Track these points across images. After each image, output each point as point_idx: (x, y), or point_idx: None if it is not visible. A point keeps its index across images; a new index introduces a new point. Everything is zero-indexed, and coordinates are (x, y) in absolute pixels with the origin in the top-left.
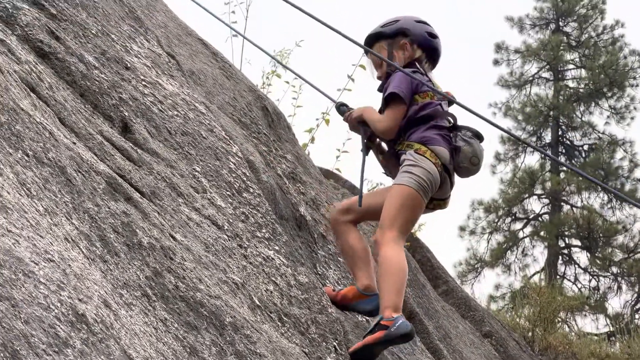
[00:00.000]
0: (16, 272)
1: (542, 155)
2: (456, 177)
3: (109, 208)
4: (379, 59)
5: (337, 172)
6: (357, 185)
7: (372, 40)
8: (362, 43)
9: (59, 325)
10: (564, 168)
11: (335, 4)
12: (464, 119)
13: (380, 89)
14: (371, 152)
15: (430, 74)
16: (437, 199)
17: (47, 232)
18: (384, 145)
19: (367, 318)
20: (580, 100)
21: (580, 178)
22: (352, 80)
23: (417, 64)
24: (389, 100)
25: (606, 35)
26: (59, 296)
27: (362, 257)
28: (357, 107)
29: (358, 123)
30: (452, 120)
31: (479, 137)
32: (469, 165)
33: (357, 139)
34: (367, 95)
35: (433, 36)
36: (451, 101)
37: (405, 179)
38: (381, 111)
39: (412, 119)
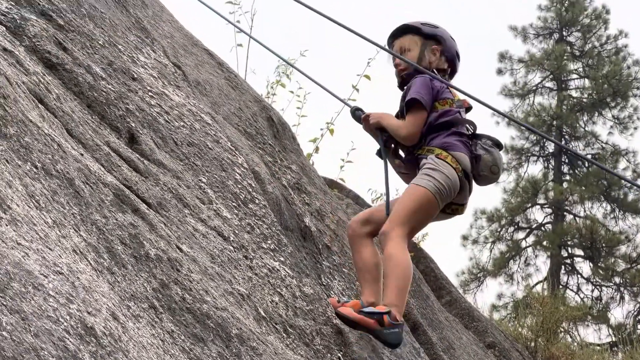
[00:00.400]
0: (26, 285)
1: (545, 165)
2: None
3: (116, 220)
4: (405, 61)
5: (341, 182)
6: (361, 195)
7: (406, 30)
8: (397, 29)
9: (68, 339)
10: (567, 177)
11: (338, 12)
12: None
13: (400, 87)
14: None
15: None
16: (455, 203)
17: (56, 245)
18: (401, 152)
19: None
20: (584, 110)
21: (584, 188)
22: (357, 90)
23: (436, 72)
24: (410, 106)
25: (610, 45)
26: (68, 309)
27: (372, 272)
28: (373, 112)
29: (376, 129)
30: (471, 128)
31: (498, 145)
32: (489, 174)
33: (361, 149)
34: (371, 104)
35: (458, 56)
36: (468, 109)
37: (424, 181)
38: (398, 115)
39: (432, 125)
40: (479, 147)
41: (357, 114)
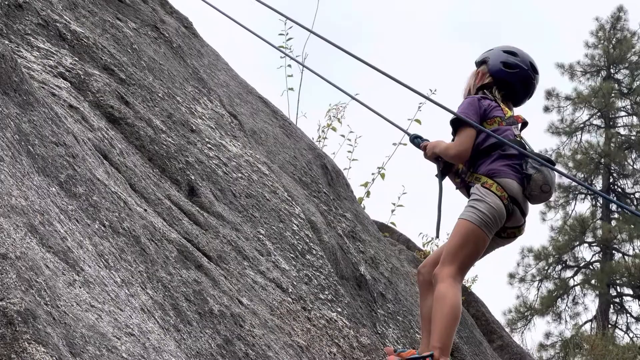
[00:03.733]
0: (100, 348)
1: (593, 203)
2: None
3: (180, 277)
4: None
5: (392, 225)
6: (412, 239)
7: (477, 65)
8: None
9: None
10: (616, 215)
11: (389, 54)
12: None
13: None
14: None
15: (500, 102)
16: (510, 227)
17: (126, 305)
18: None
19: None
20: (632, 147)
21: (633, 226)
22: (408, 134)
23: (485, 91)
24: (457, 126)
25: None
26: None
27: (433, 320)
28: (430, 142)
29: (434, 158)
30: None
31: (550, 162)
32: (540, 193)
33: (412, 193)
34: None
35: (510, 67)
36: (524, 124)
37: (468, 214)
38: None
39: (479, 149)
40: (529, 166)
41: (416, 142)
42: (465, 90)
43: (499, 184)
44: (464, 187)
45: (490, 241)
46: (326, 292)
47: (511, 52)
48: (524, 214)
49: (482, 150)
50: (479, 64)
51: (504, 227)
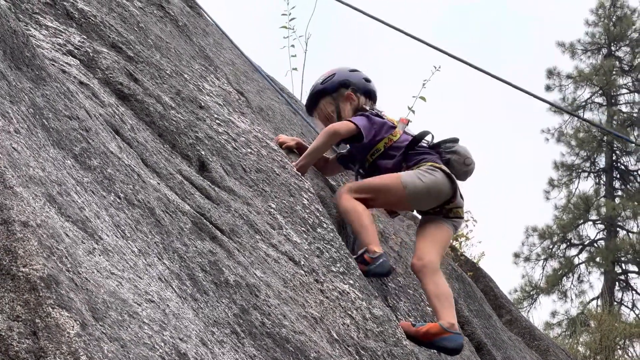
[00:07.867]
0: (122, 314)
1: (597, 181)
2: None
3: (196, 247)
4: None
5: None
6: (418, 215)
7: (316, 98)
8: (306, 103)
9: None
10: (619, 193)
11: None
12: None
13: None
14: None
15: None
16: (456, 207)
17: (145, 273)
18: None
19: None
20: (634, 124)
21: (637, 203)
22: (413, 112)
23: (366, 108)
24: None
25: None
26: (162, 336)
27: (449, 298)
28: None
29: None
30: (429, 140)
31: (455, 141)
32: (464, 167)
33: None
34: (426, 126)
35: (368, 80)
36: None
37: (404, 174)
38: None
39: (406, 153)
40: (443, 153)
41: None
42: (330, 120)
43: (435, 162)
44: None
45: (444, 228)
46: (338, 265)
47: (357, 70)
48: (461, 195)
49: (409, 153)
50: (336, 88)
51: (450, 209)
